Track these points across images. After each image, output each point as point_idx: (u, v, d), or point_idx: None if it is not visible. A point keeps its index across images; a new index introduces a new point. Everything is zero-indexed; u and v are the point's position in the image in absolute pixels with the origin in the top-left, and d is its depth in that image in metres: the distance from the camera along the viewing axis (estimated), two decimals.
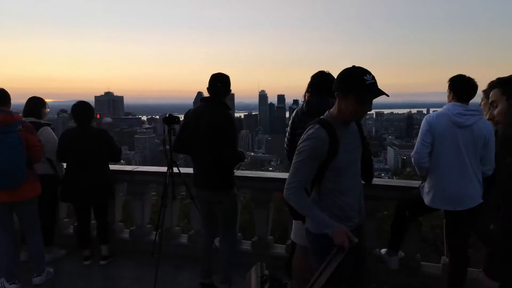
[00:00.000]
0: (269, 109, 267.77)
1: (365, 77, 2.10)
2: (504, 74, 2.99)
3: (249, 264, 4.12)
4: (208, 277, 3.51)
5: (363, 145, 2.94)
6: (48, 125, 4.40)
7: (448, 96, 3.30)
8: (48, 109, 4.52)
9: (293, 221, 3.29)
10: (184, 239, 4.65)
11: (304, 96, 3.09)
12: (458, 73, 3.27)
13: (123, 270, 4.22)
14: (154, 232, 4.46)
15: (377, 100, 2.51)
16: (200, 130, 3.28)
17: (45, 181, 4.09)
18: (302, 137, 2.28)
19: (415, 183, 3.62)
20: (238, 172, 3.93)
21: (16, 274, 3.79)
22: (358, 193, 2.39)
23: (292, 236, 3.29)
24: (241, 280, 3.79)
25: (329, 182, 2.28)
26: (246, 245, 4.44)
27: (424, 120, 3.31)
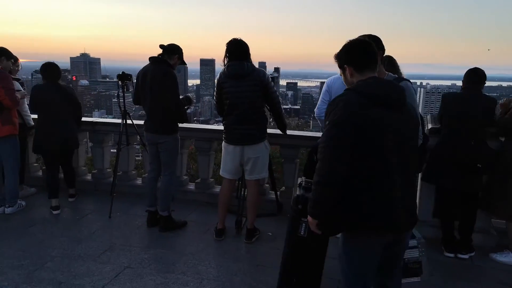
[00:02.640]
0: None
1: None
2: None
3: (195, 200, 4.99)
4: (153, 206, 4.32)
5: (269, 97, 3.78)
6: (18, 80, 4.99)
7: None
8: (19, 68, 5.05)
9: (222, 158, 4.10)
10: (139, 181, 5.45)
11: (223, 61, 3.78)
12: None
13: (86, 204, 4.98)
14: (113, 175, 5.21)
15: None
16: (146, 84, 4.01)
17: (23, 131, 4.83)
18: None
19: None
20: (185, 124, 4.71)
21: (3, 200, 4.60)
22: None
23: (221, 171, 4.12)
24: (184, 209, 4.65)
25: None
26: (192, 186, 5.29)
27: (325, 82, 4.13)
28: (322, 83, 3.96)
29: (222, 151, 4.08)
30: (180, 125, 4.27)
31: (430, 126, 4.16)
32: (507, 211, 3.71)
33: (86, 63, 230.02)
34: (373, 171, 1.96)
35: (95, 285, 3.22)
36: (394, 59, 4.17)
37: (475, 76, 3.72)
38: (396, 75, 3.27)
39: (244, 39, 3.74)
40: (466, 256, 3.80)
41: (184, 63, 4.16)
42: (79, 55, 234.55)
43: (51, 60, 4.94)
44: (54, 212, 4.73)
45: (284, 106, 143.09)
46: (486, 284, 3.44)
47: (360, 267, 2.16)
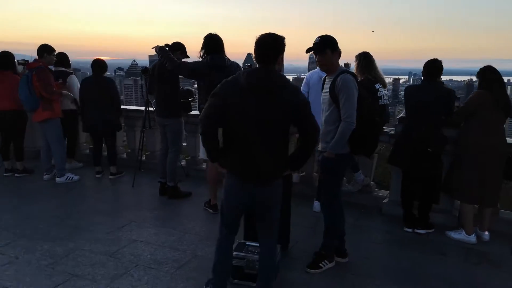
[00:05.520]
0: None
1: None
2: None
3: (205, 178, 5.76)
4: (164, 178, 5.22)
5: None
6: (72, 73, 6.16)
7: None
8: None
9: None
10: None
11: (200, 52, 4.33)
12: None
13: (119, 176, 6.04)
14: (139, 154, 6.14)
15: None
16: (154, 77, 4.91)
17: (69, 114, 5.94)
18: (340, 83, 3.11)
19: None
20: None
21: (50, 170, 5.75)
22: None
23: (200, 155, 4.88)
24: (194, 184, 5.47)
25: None
26: (205, 165, 6.13)
27: (306, 75, 4.74)
28: (396, 79, 4.36)
29: None
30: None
31: (401, 115, 4.59)
32: (460, 193, 4.07)
33: None
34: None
35: (105, 231, 4.16)
36: (370, 55, 4.66)
37: (432, 68, 4.09)
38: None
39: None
40: (423, 232, 4.20)
41: (188, 57, 4.95)
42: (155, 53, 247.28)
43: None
44: (97, 176, 5.93)
45: None
46: (428, 253, 3.85)
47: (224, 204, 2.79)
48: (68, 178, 5.75)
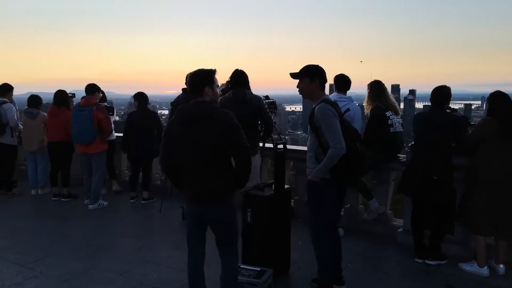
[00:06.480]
0: None
1: None
2: None
3: None
4: None
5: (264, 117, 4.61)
6: (111, 107, 6.85)
7: (334, 89, 4.81)
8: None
9: None
10: None
11: (226, 86, 4.79)
12: None
13: (151, 202, 6.47)
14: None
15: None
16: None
17: (112, 144, 6.57)
18: (318, 113, 3.19)
19: None
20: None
21: (89, 197, 6.25)
22: None
23: None
24: None
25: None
26: None
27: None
28: (468, 105, 4.40)
29: None
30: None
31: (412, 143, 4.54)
32: (472, 224, 3.90)
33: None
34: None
35: (124, 251, 4.52)
36: (382, 83, 4.73)
37: (439, 94, 4.04)
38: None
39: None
40: (433, 263, 4.05)
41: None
42: None
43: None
44: (131, 201, 6.38)
45: None
46: (433, 285, 3.74)
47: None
48: (100, 204, 6.19)
